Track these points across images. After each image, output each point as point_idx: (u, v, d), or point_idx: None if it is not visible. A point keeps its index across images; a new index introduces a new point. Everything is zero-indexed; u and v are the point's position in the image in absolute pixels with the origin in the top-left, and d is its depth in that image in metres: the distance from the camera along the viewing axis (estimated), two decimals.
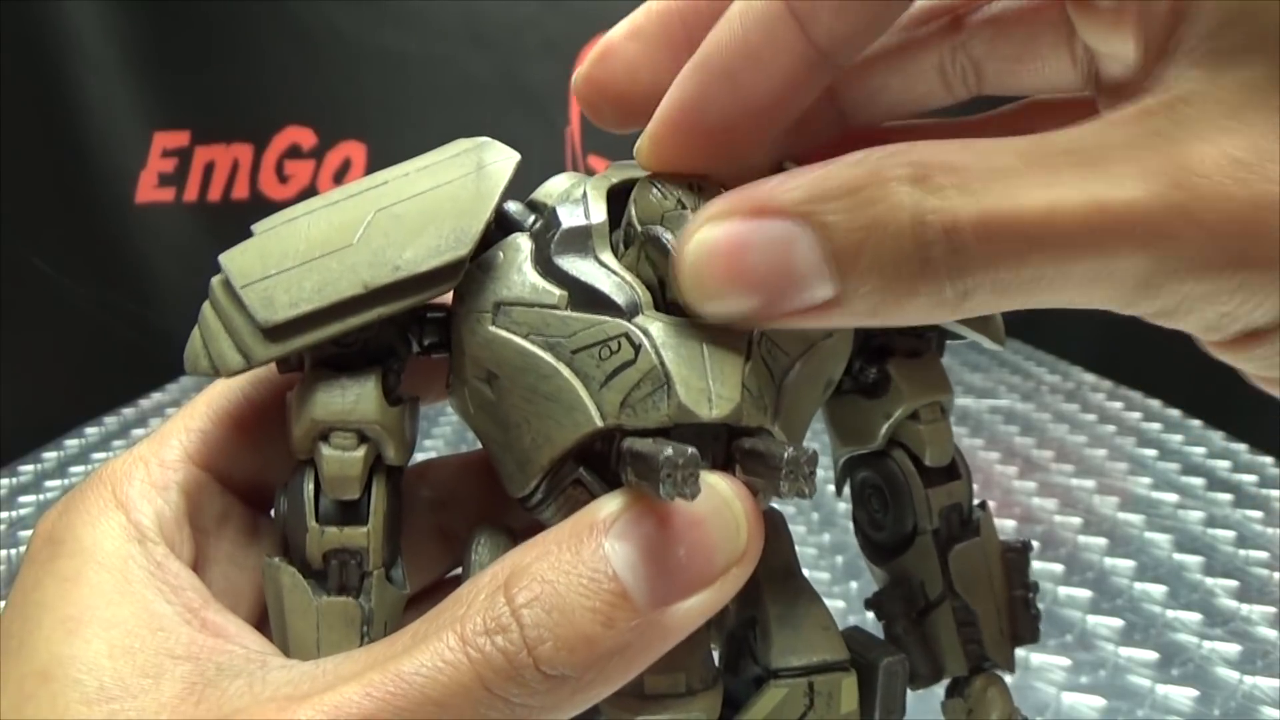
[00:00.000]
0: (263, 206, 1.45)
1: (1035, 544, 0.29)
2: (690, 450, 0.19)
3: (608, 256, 0.23)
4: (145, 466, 0.25)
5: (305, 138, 1.46)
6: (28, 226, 1.34)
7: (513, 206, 0.24)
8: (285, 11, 1.42)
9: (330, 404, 0.23)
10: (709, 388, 0.21)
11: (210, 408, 0.26)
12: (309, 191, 1.45)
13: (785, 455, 0.20)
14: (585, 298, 0.22)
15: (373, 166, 1.47)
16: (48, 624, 0.22)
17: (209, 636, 0.22)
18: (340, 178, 1.46)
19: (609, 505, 0.20)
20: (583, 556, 0.20)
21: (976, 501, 0.29)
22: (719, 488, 0.21)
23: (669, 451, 0.19)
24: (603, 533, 0.20)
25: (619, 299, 0.22)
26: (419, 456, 0.26)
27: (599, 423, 0.21)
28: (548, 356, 0.22)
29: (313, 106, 1.46)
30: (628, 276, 0.22)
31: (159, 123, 1.44)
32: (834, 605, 0.65)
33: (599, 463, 0.22)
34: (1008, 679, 0.28)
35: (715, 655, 0.26)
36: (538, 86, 1.46)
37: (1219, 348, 0.20)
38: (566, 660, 0.19)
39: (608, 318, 0.22)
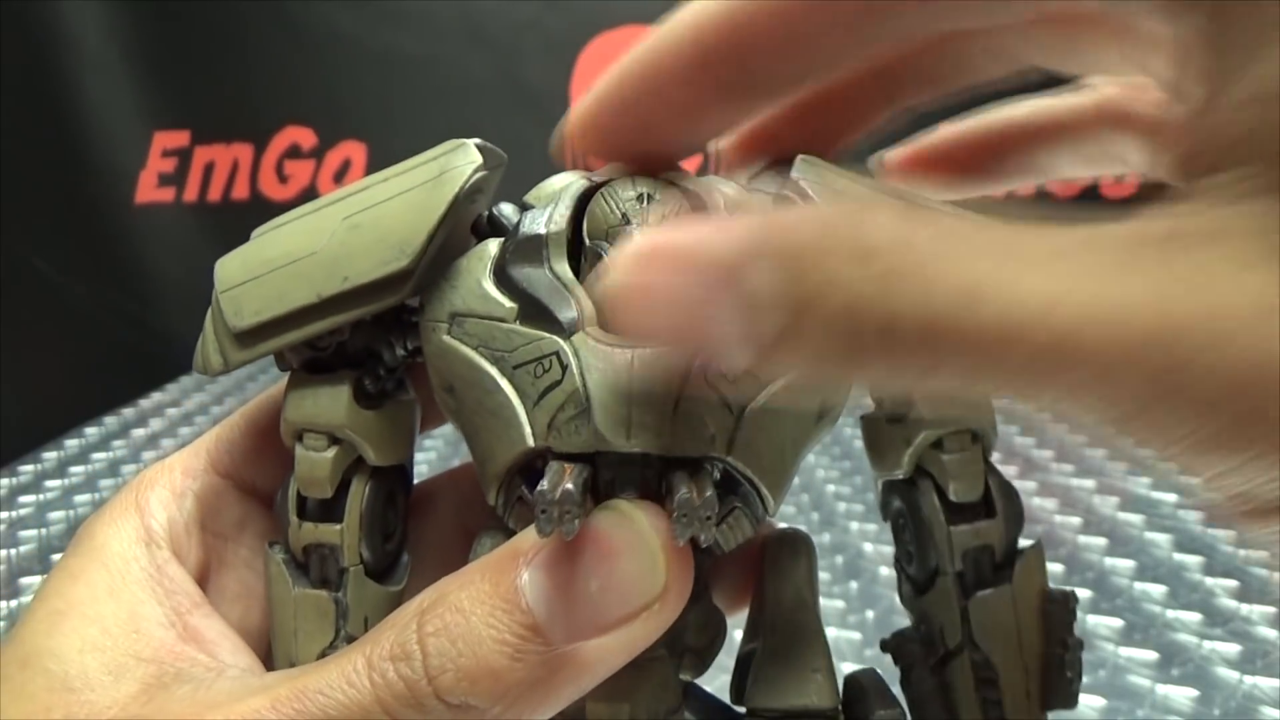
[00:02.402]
0: (262, 206, 1.45)
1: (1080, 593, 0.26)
2: (567, 488, 0.19)
3: (562, 267, 0.22)
4: (170, 474, 0.26)
5: (305, 138, 1.46)
6: (28, 226, 1.34)
7: (505, 208, 0.24)
8: (285, 11, 1.42)
9: (302, 406, 0.24)
10: (629, 415, 0.20)
11: (243, 417, 0.27)
12: (309, 191, 1.45)
13: (679, 498, 0.19)
14: (533, 311, 0.22)
15: (373, 166, 1.47)
16: (39, 615, 0.23)
17: (183, 643, 0.23)
18: (340, 178, 1.46)
19: (534, 534, 0.20)
20: (499, 588, 0.20)
21: (1028, 543, 0.26)
22: (636, 520, 0.20)
23: (544, 486, 0.19)
24: (523, 563, 0.20)
25: (561, 314, 0.21)
26: (418, 457, 0.27)
27: (530, 443, 0.21)
28: (493, 370, 0.22)
29: (313, 106, 1.46)
30: (576, 290, 0.22)
31: (159, 123, 1.44)
32: (834, 605, 0.65)
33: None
34: None
35: (701, 684, 0.25)
36: (538, 86, 1.46)
37: (1218, 510, 0.16)
38: (469, 691, 0.19)
39: (546, 334, 0.21)
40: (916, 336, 0.14)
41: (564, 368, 0.21)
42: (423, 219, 0.23)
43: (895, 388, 0.16)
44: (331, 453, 0.24)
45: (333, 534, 0.24)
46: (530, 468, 0.22)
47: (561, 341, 0.21)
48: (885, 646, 0.26)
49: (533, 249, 0.23)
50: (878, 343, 0.15)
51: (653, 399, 0.21)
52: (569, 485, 0.19)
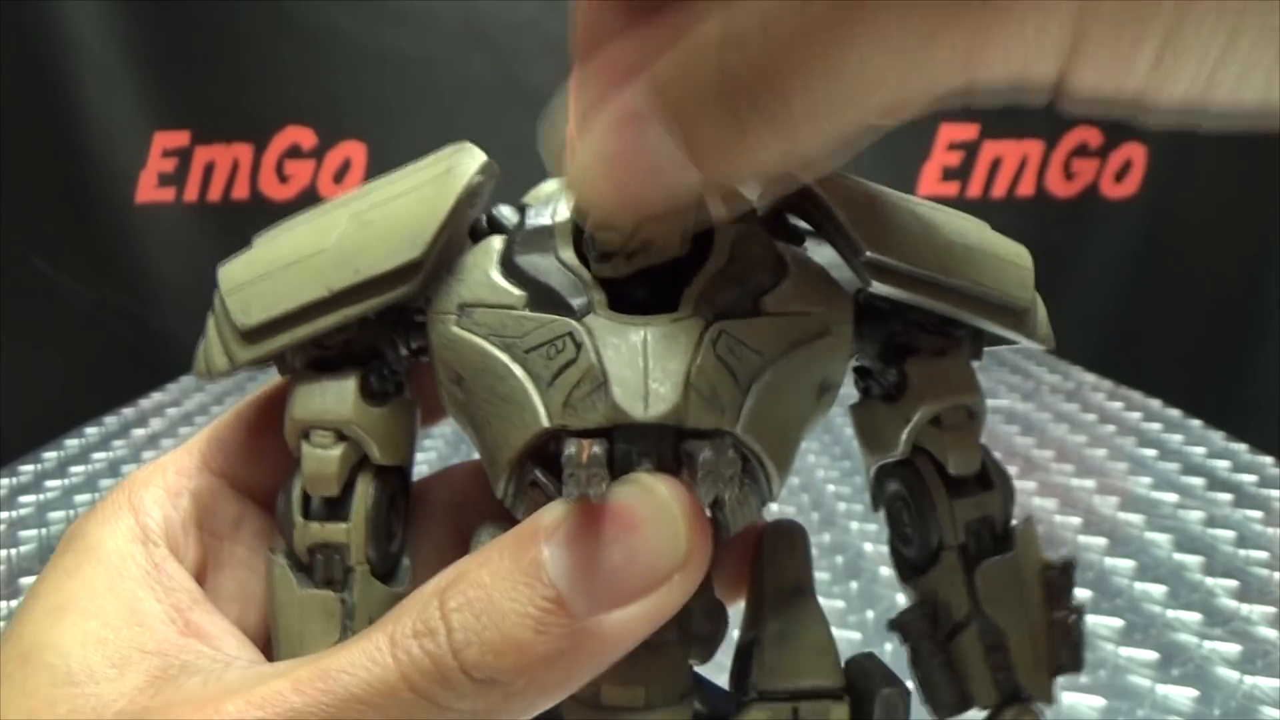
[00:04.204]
0: (262, 207, 1.45)
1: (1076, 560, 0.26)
2: (594, 451, 0.19)
3: (568, 255, 0.23)
4: (163, 474, 0.26)
5: (305, 138, 1.46)
6: (28, 226, 1.34)
7: (504, 209, 0.25)
8: (285, 11, 1.42)
9: (309, 404, 0.24)
10: (645, 386, 0.21)
11: (236, 417, 0.27)
12: (309, 191, 1.45)
13: (702, 458, 0.20)
14: (542, 298, 0.22)
15: (373, 166, 1.47)
16: (37, 611, 0.23)
17: (186, 637, 0.23)
18: (340, 178, 1.47)
19: (553, 511, 0.20)
20: (520, 563, 0.20)
21: (1027, 517, 0.26)
22: (657, 490, 0.20)
23: (571, 449, 0.19)
24: (543, 538, 0.20)
25: (572, 299, 0.22)
26: (419, 457, 0.26)
27: (545, 423, 0.21)
28: (504, 357, 0.22)
29: (313, 106, 1.46)
30: (585, 275, 0.22)
31: (159, 123, 1.44)
32: (834, 605, 0.65)
33: (555, 464, 0.22)
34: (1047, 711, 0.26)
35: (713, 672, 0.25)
36: (538, 86, 1.46)
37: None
38: (494, 665, 0.19)
39: (557, 317, 0.22)
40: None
41: (578, 346, 0.21)
42: (433, 211, 0.23)
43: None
44: (339, 449, 0.24)
45: (339, 533, 0.24)
46: (543, 451, 0.22)
47: (574, 322, 0.22)
48: (892, 625, 0.26)
49: (541, 239, 0.23)
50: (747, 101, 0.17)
51: (668, 370, 0.21)
52: (595, 449, 0.19)
